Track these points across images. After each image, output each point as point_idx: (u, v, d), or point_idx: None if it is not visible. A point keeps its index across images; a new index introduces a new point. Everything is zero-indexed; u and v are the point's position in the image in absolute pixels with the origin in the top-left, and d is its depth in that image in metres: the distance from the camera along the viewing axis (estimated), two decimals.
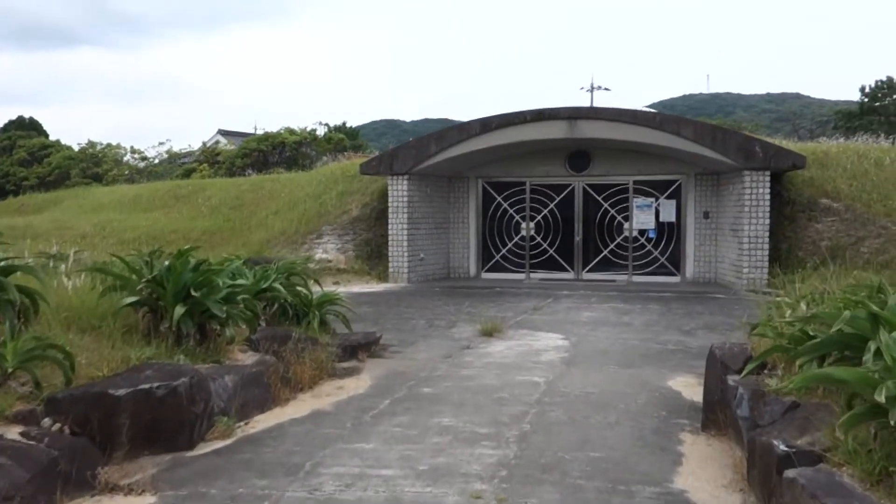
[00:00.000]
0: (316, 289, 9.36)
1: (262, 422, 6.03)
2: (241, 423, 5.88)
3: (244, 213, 21.53)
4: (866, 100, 52.89)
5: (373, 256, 17.72)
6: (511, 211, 18.41)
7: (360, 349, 8.69)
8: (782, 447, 3.80)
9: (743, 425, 4.71)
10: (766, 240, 14.85)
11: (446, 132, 16.56)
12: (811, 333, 4.64)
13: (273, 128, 44.26)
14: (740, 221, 15.15)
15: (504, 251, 18.50)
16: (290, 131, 42.31)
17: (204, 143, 47.42)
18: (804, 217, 15.60)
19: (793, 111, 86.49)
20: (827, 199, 15.63)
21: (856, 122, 47.62)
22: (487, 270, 18.58)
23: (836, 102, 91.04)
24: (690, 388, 7.20)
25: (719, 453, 5.13)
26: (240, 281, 6.90)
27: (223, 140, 49.68)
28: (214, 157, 42.26)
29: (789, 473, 3.55)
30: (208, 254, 18.33)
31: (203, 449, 5.32)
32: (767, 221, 14.82)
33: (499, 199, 18.45)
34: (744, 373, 5.01)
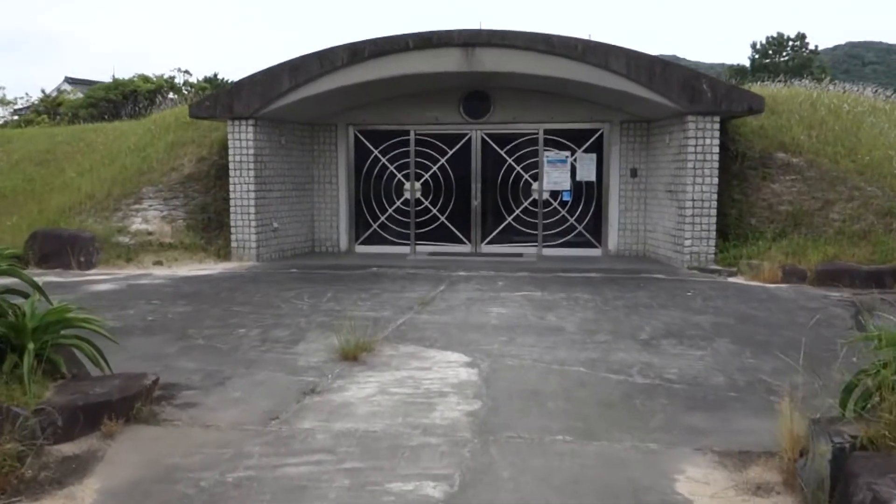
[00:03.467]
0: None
1: None
2: None
3: (51, 171, 16.70)
4: (757, 56, 52.02)
5: (211, 227, 13.50)
6: (392, 168, 14.57)
7: (112, 409, 4.78)
8: None
9: None
10: (714, 204, 11.70)
11: (303, 61, 12.41)
12: None
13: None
14: (681, 181, 11.92)
15: (383, 218, 14.68)
16: (145, 79, 36.96)
17: (42, 91, 41.16)
18: (756, 175, 12.47)
19: None
20: (784, 154, 12.53)
21: (749, 78, 46.57)
22: (362, 243, 14.74)
23: (712, 65, 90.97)
24: (726, 499, 3.72)
25: None
26: None
27: (69, 88, 43.45)
28: (56, 108, 36.60)
29: None
30: None
31: None
32: (716, 181, 11.64)
33: (376, 152, 14.56)
34: None
